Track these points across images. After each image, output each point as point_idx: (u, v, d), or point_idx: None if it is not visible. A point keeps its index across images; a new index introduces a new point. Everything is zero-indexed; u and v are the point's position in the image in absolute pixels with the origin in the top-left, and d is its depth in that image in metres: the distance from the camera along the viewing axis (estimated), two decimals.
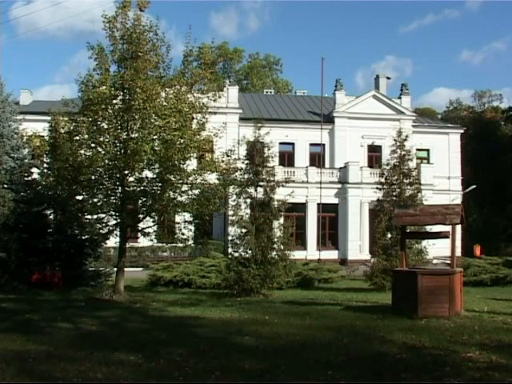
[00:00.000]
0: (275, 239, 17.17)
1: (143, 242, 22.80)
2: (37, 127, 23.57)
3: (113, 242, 19.44)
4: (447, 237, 13.25)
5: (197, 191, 16.63)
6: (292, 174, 35.11)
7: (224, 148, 17.36)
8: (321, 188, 35.23)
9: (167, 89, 15.96)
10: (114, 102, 15.67)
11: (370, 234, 32.32)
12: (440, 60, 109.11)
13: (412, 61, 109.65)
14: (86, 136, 15.87)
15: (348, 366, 7.48)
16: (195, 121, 16.22)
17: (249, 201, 17.53)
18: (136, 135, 15.26)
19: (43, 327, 10.75)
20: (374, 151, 39.72)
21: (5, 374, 7.03)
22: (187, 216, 17.62)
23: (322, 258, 32.92)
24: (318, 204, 35.37)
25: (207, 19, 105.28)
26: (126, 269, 17.36)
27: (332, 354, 8.07)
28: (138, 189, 16.39)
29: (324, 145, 39.33)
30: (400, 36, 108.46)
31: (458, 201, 36.36)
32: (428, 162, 40.00)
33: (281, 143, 36.91)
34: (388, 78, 44.25)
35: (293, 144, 39.44)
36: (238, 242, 17.17)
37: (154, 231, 17.84)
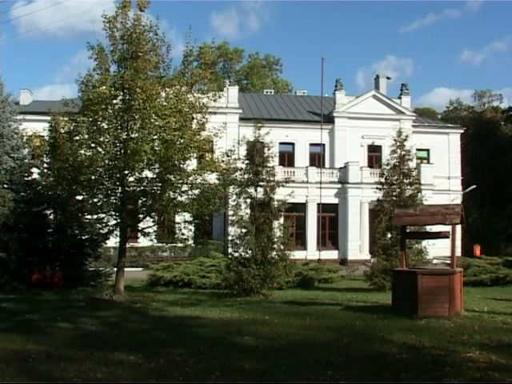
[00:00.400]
0: (275, 239, 17.17)
1: (143, 242, 22.78)
2: (37, 127, 23.57)
3: (113, 242, 19.44)
4: (447, 237, 13.24)
5: (197, 191, 16.63)
6: (292, 173, 35.11)
7: (224, 148, 17.36)
8: (321, 188, 35.24)
9: (167, 89, 15.96)
10: (114, 102, 15.67)
11: (370, 234, 32.32)
12: (441, 60, 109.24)
13: (413, 61, 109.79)
14: (86, 136, 15.88)
15: (348, 365, 7.48)
16: (195, 121, 16.23)
17: (249, 201, 17.53)
18: (136, 135, 15.26)
19: (43, 327, 10.75)
20: (374, 151, 39.72)
21: (5, 373, 7.03)
22: (187, 216, 17.63)
23: (322, 257, 32.92)
24: (318, 204, 35.37)
25: (208, 19, 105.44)
26: (126, 269, 17.36)
27: (332, 354, 8.07)
28: (138, 189, 16.39)
29: (324, 145, 39.33)
30: (401, 36, 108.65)
31: (458, 201, 36.35)
32: (428, 162, 40.00)
33: (281, 143, 36.91)
34: (388, 78, 44.26)
35: (293, 144, 39.44)
36: (238, 241, 17.17)
37: (154, 231, 17.84)
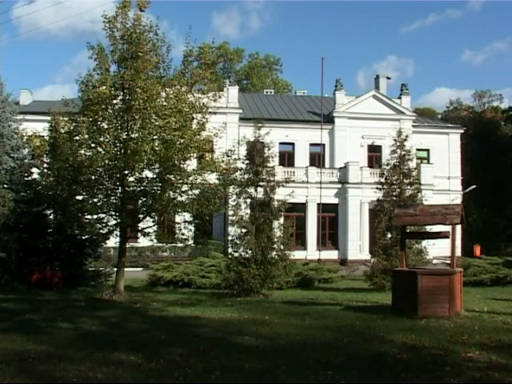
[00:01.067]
0: (275, 239, 17.17)
1: (143, 242, 22.79)
2: (37, 127, 23.55)
3: (113, 242, 19.45)
4: (447, 237, 13.24)
5: (197, 191, 16.64)
6: (292, 174, 35.11)
7: (224, 148, 17.38)
8: (321, 188, 35.24)
9: (167, 89, 15.97)
10: (114, 102, 15.69)
11: (370, 234, 32.32)
12: (442, 60, 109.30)
13: (414, 61, 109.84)
14: (86, 136, 15.89)
15: (348, 366, 7.48)
16: (195, 121, 16.24)
17: (249, 201, 17.53)
18: (136, 135, 15.28)
19: (43, 327, 10.76)
20: (374, 151, 39.72)
21: (5, 373, 7.03)
22: (187, 216, 17.64)
23: (322, 257, 32.92)
24: (318, 204, 35.37)
25: (209, 19, 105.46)
26: (126, 269, 17.38)
27: (332, 354, 8.07)
28: (138, 189, 16.40)
29: (324, 145, 39.33)
30: (402, 36, 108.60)
31: (458, 201, 36.35)
32: (428, 162, 40.00)
33: (281, 143, 36.92)
34: (388, 78, 44.26)
35: (293, 144, 39.45)
36: (238, 241, 17.17)
37: (154, 231, 17.85)
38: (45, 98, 43.26)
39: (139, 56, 15.29)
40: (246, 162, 17.66)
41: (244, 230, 17.06)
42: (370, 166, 37.76)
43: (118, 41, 15.79)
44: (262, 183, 17.39)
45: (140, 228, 17.46)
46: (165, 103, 15.62)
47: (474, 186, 41.02)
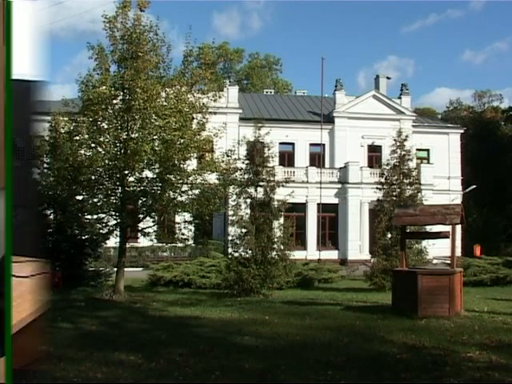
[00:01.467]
0: (275, 239, 17.17)
1: (143, 242, 22.74)
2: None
3: (113, 242, 19.41)
4: (447, 237, 13.24)
5: (197, 191, 16.64)
6: (292, 173, 35.14)
7: (224, 148, 17.37)
8: (321, 188, 35.25)
9: (167, 89, 15.97)
10: (114, 102, 15.68)
11: (370, 234, 32.33)
12: (442, 60, 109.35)
13: (414, 61, 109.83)
14: (86, 136, 15.88)
15: (348, 366, 7.47)
16: (195, 121, 16.24)
17: (249, 201, 17.53)
18: (136, 135, 15.27)
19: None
20: (374, 151, 39.75)
21: None
22: (187, 216, 17.63)
23: (322, 257, 32.93)
24: (318, 204, 35.40)
25: (209, 19, 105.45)
26: (126, 269, 17.37)
27: (332, 354, 8.06)
28: (138, 189, 16.40)
29: (324, 145, 39.37)
30: (402, 36, 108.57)
31: (458, 201, 36.37)
32: (428, 162, 40.04)
33: (281, 143, 36.95)
34: (388, 78, 44.30)
35: (293, 144, 39.48)
36: (238, 241, 17.17)
37: (154, 231, 17.83)
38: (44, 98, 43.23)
39: (139, 56, 15.29)
40: (246, 162, 17.65)
41: (244, 230, 17.06)
42: (370, 166, 37.79)
43: (118, 41, 15.78)
44: (261, 183, 17.39)
45: (140, 228, 17.44)
46: (165, 103, 15.62)
47: (474, 186, 41.04)
